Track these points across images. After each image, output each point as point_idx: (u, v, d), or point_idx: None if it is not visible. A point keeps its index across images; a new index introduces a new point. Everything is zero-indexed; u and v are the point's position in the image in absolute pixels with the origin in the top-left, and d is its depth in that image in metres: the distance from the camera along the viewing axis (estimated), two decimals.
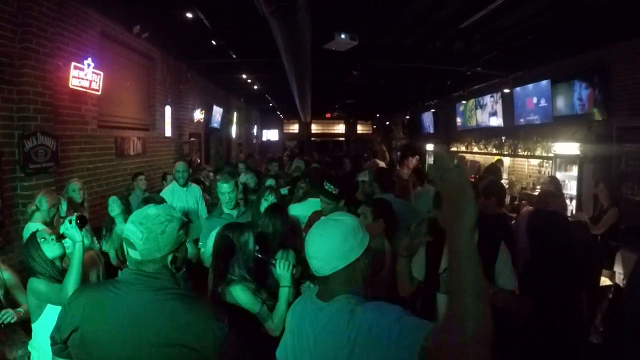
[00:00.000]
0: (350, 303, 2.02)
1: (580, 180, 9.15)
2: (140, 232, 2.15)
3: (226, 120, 18.59)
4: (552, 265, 3.61)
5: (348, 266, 2.07)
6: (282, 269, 3.49)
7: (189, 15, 8.06)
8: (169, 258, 2.21)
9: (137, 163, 9.40)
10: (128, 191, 8.07)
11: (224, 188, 5.16)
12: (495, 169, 9.38)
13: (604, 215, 7.59)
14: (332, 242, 2.06)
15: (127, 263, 2.26)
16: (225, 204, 5.23)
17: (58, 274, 3.48)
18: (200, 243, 4.81)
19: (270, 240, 4.17)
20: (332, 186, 4.55)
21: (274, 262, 3.55)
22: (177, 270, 2.30)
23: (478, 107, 15.32)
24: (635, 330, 2.84)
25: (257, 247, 3.58)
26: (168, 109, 11.29)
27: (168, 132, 11.34)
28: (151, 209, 2.25)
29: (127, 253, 2.22)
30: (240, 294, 3.37)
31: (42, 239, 3.52)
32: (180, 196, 6.88)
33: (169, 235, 2.19)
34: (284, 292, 3.47)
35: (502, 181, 12.46)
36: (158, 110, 10.89)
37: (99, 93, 7.59)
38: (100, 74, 7.49)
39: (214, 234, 3.89)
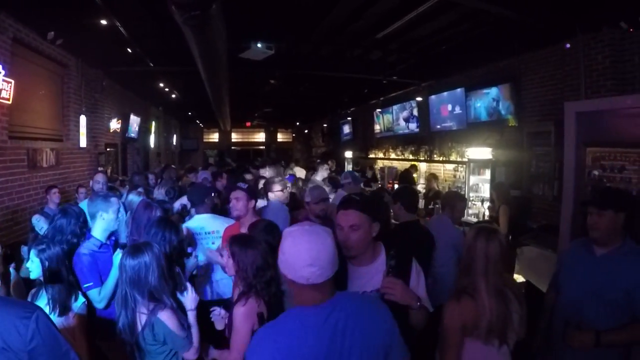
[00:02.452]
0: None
1: (492, 183, 9.55)
2: None
3: (144, 130, 18.20)
4: None
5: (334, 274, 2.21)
6: (188, 296, 3.56)
7: (104, 22, 7.89)
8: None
9: (50, 175, 9.03)
10: (42, 205, 7.78)
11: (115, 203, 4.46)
12: (407, 175, 9.69)
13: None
14: (331, 251, 2.17)
15: None
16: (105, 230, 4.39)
17: None
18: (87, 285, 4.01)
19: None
20: None
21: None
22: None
23: (395, 114, 15.69)
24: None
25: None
26: (83, 119, 10.95)
27: (83, 143, 10.98)
28: None
29: None
30: (169, 322, 3.30)
31: None
32: None
33: None
34: (192, 316, 3.51)
35: (419, 187, 12.85)
36: (72, 120, 10.52)
37: (10, 102, 7.26)
38: (11, 82, 7.18)
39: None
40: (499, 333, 3.01)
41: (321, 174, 9.45)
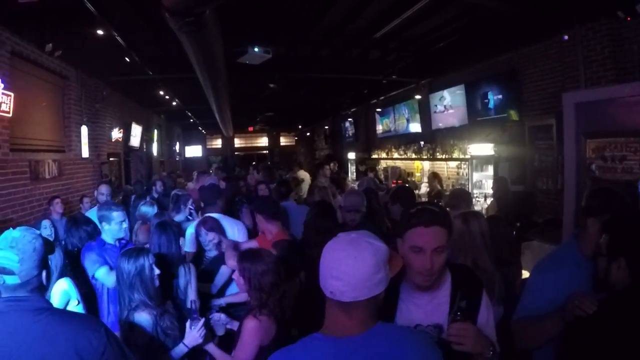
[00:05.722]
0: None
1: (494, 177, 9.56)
2: (15, 254, 2.17)
3: (146, 138, 18.22)
4: None
5: (370, 299, 1.83)
6: (193, 332, 3.41)
7: (101, 32, 7.91)
8: (44, 274, 2.27)
9: (53, 187, 9.02)
10: (45, 216, 7.78)
11: (117, 216, 4.59)
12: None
13: None
14: (365, 269, 1.81)
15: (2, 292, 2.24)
16: (118, 233, 4.62)
17: None
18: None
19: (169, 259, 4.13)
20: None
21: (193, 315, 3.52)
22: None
23: (396, 113, 15.68)
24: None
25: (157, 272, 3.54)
26: (84, 129, 10.96)
27: (85, 153, 11.00)
28: (15, 232, 2.26)
29: (3, 283, 2.19)
30: (138, 325, 3.34)
31: None
32: None
33: (39, 252, 2.24)
34: (180, 349, 3.40)
35: (422, 186, 12.84)
36: (74, 130, 10.54)
37: (10, 115, 7.29)
38: (10, 95, 7.20)
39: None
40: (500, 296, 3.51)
41: (322, 181, 9.55)
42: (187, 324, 3.42)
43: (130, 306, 3.38)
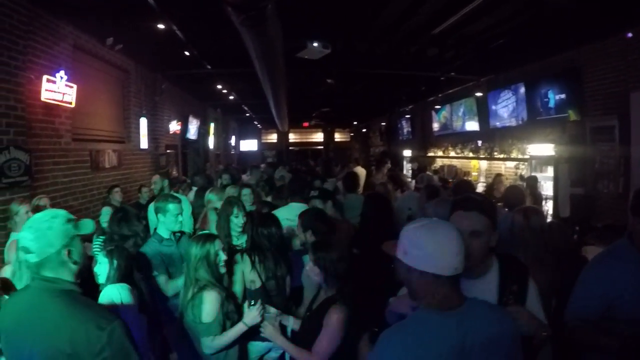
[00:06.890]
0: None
1: (555, 180, 9.25)
2: (30, 233, 2.22)
3: (203, 132, 18.50)
4: None
5: None
6: (253, 311, 3.53)
7: (161, 26, 8.04)
8: (63, 252, 2.25)
9: (112, 176, 9.33)
10: (104, 204, 7.96)
11: (173, 209, 4.70)
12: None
13: None
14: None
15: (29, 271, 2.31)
16: (173, 226, 4.72)
17: None
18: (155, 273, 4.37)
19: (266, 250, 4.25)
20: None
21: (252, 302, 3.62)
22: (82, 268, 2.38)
23: (453, 111, 15.44)
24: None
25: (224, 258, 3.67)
26: (143, 121, 11.23)
27: (144, 144, 11.29)
28: (37, 214, 2.35)
29: (26, 261, 2.25)
30: (207, 302, 3.46)
31: None
32: None
33: (56, 229, 2.25)
34: (239, 328, 3.51)
35: (479, 185, 12.59)
36: (133, 122, 10.84)
37: (73, 106, 7.52)
38: (73, 87, 7.43)
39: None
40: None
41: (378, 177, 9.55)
42: (246, 304, 3.60)
43: (198, 286, 3.53)
